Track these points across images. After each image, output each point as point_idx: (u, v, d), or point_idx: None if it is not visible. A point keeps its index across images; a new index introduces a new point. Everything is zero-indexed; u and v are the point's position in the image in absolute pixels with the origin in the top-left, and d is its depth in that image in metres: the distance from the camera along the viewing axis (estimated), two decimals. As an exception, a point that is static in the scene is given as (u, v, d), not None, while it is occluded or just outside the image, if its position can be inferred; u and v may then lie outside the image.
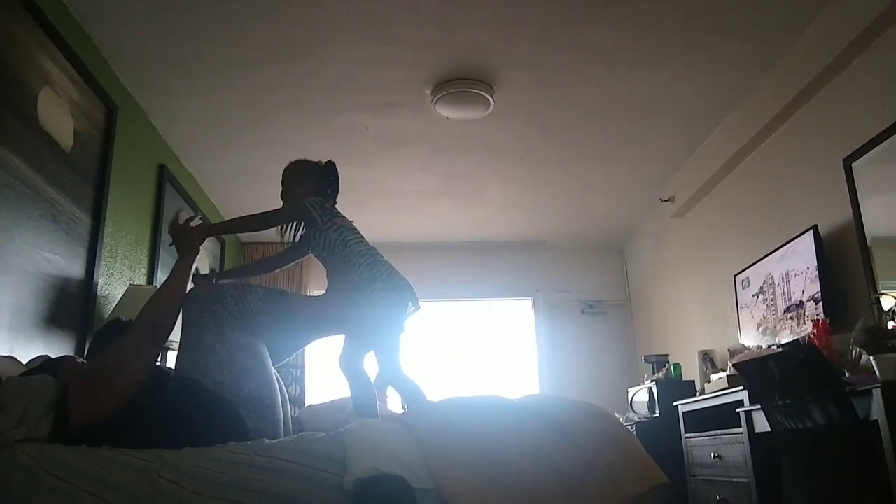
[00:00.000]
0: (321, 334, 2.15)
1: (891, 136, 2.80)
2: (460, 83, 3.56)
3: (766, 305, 3.59)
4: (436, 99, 3.66)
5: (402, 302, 2.10)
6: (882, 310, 2.62)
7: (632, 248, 6.23)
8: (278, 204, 2.26)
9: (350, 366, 2.07)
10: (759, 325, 3.67)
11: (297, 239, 2.24)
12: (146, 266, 3.84)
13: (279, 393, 1.92)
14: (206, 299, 1.89)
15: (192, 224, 2.03)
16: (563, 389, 5.86)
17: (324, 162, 2.29)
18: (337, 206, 2.25)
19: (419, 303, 2.14)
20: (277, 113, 3.87)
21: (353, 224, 2.22)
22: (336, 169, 2.28)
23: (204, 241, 2.07)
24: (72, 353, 2.89)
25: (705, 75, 3.55)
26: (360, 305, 2.05)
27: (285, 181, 2.27)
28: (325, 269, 2.20)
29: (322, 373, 5.58)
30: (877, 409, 2.11)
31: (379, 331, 2.10)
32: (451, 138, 4.26)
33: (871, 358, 2.27)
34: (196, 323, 1.85)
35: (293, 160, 2.31)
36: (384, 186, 4.96)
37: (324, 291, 2.19)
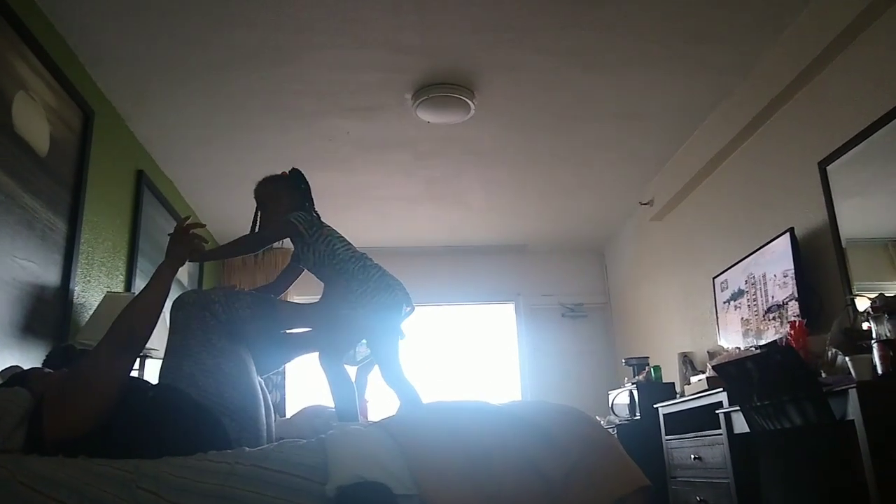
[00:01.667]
0: (308, 347, 2.14)
1: (864, 139, 2.85)
2: (441, 88, 3.57)
3: (748, 307, 3.63)
4: (416, 104, 3.67)
5: (395, 301, 2.10)
6: (857, 311, 2.66)
7: (612, 252, 6.27)
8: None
9: (331, 363, 2.06)
10: (741, 327, 3.71)
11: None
12: (124, 273, 3.79)
13: (262, 402, 1.90)
14: (193, 305, 1.87)
15: (192, 230, 1.95)
16: (545, 393, 5.88)
17: (288, 172, 2.27)
18: (318, 213, 2.25)
19: (413, 304, 2.14)
20: (257, 118, 3.85)
21: (339, 232, 2.22)
22: (303, 176, 2.26)
23: (191, 261, 2.01)
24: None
25: (683, 79, 3.59)
26: (353, 305, 2.05)
27: (261, 203, 2.24)
28: (317, 280, 2.20)
29: (303, 379, 5.55)
30: (853, 409, 2.14)
31: (374, 332, 2.09)
32: (432, 143, 4.26)
33: (847, 359, 2.31)
34: (182, 329, 1.83)
35: (259, 181, 2.27)
36: (365, 191, 4.95)
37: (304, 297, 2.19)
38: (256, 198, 2.26)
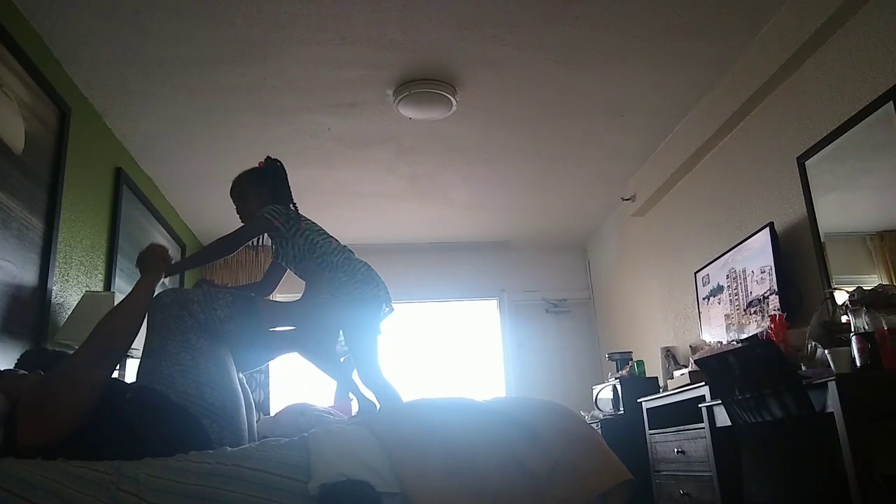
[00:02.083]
0: (290, 346, 2.12)
1: (842, 134, 2.88)
2: (422, 84, 3.56)
3: (730, 301, 3.66)
4: (398, 99, 3.65)
5: (377, 296, 2.09)
6: (836, 304, 2.69)
7: (594, 247, 6.30)
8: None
9: (322, 361, 2.08)
10: (723, 321, 3.74)
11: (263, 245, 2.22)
12: (103, 272, 3.74)
13: (243, 401, 1.89)
14: (172, 306, 1.85)
15: (158, 247, 1.99)
16: (529, 388, 5.90)
17: (264, 162, 2.24)
18: (296, 204, 2.21)
19: (392, 305, 2.14)
20: (237, 114, 3.81)
21: (318, 225, 2.19)
22: (280, 166, 2.22)
23: (169, 271, 2.01)
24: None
25: (664, 75, 3.61)
26: (334, 292, 2.04)
27: (240, 200, 2.22)
28: (298, 278, 2.18)
29: (287, 378, 5.52)
30: (832, 402, 2.16)
31: (355, 325, 2.08)
32: (414, 139, 4.25)
33: (826, 351, 2.33)
34: (160, 329, 1.81)
35: (235, 178, 2.25)
36: (347, 188, 4.93)
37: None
38: (231, 195, 2.23)
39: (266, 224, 2.10)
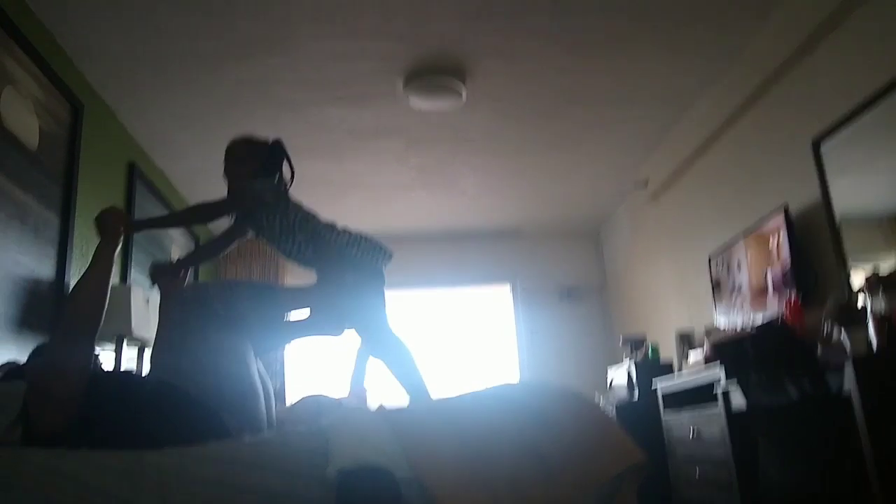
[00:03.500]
0: (310, 329, 2.13)
1: (857, 117, 2.85)
2: (432, 75, 3.55)
3: (742, 285, 3.64)
4: (408, 91, 3.65)
5: (386, 255, 2.12)
6: (851, 286, 2.67)
7: (607, 234, 6.28)
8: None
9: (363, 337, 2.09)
10: (735, 304, 3.73)
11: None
12: (119, 265, 3.78)
13: (262, 392, 1.90)
14: (192, 302, 1.85)
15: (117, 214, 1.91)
16: (543, 374, 5.90)
17: (271, 141, 2.20)
18: (292, 189, 2.18)
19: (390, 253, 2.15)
20: (249, 108, 3.83)
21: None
22: (284, 150, 2.19)
23: (130, 232, 1.96)
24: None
25: (675, 61, 3.58)
26: (357, 269, 2.05)
27: (231, 160, 2.17)
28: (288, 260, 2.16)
29: (303, 366, 5.55)
30: (849, 384, 2.15)
31: (375, 294, 2.08)
32: (424, 130, 4.24)
33: (843, 334, 2.32)
34: (180, 325, 1.82)
35: (235, 138, 2.20)
36: (358, 180, 4.94)
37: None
38: (226, 154, 2.17)
39: (254, 198, 2.04)
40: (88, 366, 1.68)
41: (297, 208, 2.12)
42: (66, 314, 1.73)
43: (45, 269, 2.95)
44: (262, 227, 2.11)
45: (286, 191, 2.14)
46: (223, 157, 2.19)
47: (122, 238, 1.90)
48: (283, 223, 2.07)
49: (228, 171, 2.17)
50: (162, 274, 2.20)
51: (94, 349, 1.77)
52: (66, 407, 1.59)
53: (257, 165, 2.13)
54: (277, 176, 2.16)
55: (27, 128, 2.84)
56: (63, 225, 3.11)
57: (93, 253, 1.85)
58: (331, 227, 2.11)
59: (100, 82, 3.46)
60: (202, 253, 2.56)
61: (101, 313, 1.75)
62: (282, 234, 2.08)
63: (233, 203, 2.11)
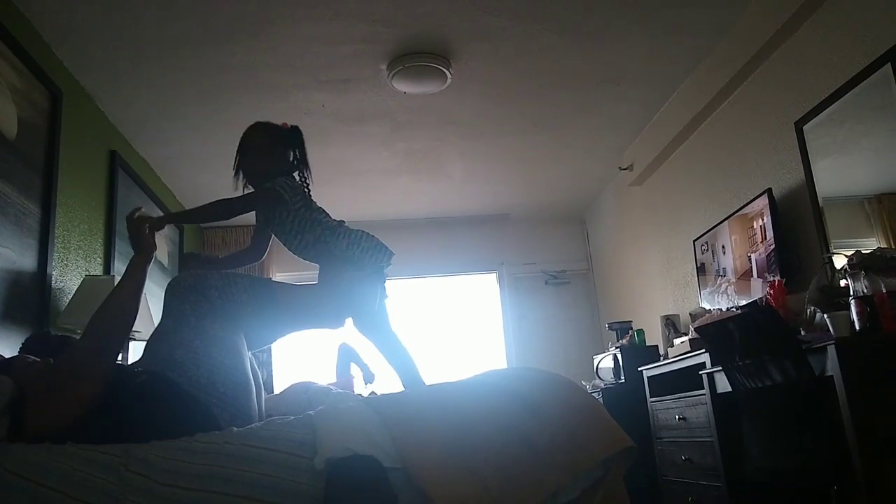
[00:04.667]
0: (305, 325, 2.12)
1: (839, 98, 2.86)
2: (416, 57, 3.52)
3: (727, 268, 3.67)
4: (392, 74, 3.62)
5: (383, 261, 2.11)
6: (834, 268, 2.70)
7: (593, 218, 6.29)
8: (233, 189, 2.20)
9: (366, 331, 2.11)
10: (720, 288, 3.75)
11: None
12: (102, 256, 3.74)
13: (254, 385, 1.89)
14: (189, 290, 1.83)
15: (137, 215, 1.88)
16: (530, 360, 5.93)
17: (289, 126, 2.20)
18: (307, 184, 2.18)
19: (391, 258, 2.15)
20: (231, 93, 3.78)
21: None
22: (301, 136, 2.20)
23: (159, 230, 1.97)
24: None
25: (660, 42, 3.57)
26: (360, 268, 2.05)
27: (247, 149, 2.17)
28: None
29: (290, 356, 5.55)
30: (832, 365, 2.18)
31: (375, 294, 2.09)
32: (410, 114, 4.22)
33: (826, 316, 2.34)
34: (175, 314, 1.80)
35: (251, 125, 2.20)
36: (343, 165, 4.91)
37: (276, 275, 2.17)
38: (243, 142, 2.17)
39: (277, 198, 2.05)
40: (108, 376, 1.66)
41: (311, 208, 2.13)
42: (98, 319, 1.72)
43: (27, 260, 2.91)
44: (274, 221, 2.13)
45: (308, 190, 2.15)
46: (237, 145, 2.20)
47: (155, 252, 1.90)
48: (294, 221, 2.10)
49: (244, 165, 2.17)
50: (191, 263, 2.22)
51: (116, 359, 1.77)
52: (84, 405, 1.58)
53: (279, 163, 2.14)
54: (298, 173, 2.17)
55: (5, 116, 2.78)
56: (44, 215, 3.06)
57: (127, 265, 1.86)
58: (336, 228, 2.12)
59: (79, 69, 3.40)
60: (243, 258, 2.49)
61: (131, 327, 1.77)
62: (291, 230, 2.11)
63: (255, 200, 2.12)
